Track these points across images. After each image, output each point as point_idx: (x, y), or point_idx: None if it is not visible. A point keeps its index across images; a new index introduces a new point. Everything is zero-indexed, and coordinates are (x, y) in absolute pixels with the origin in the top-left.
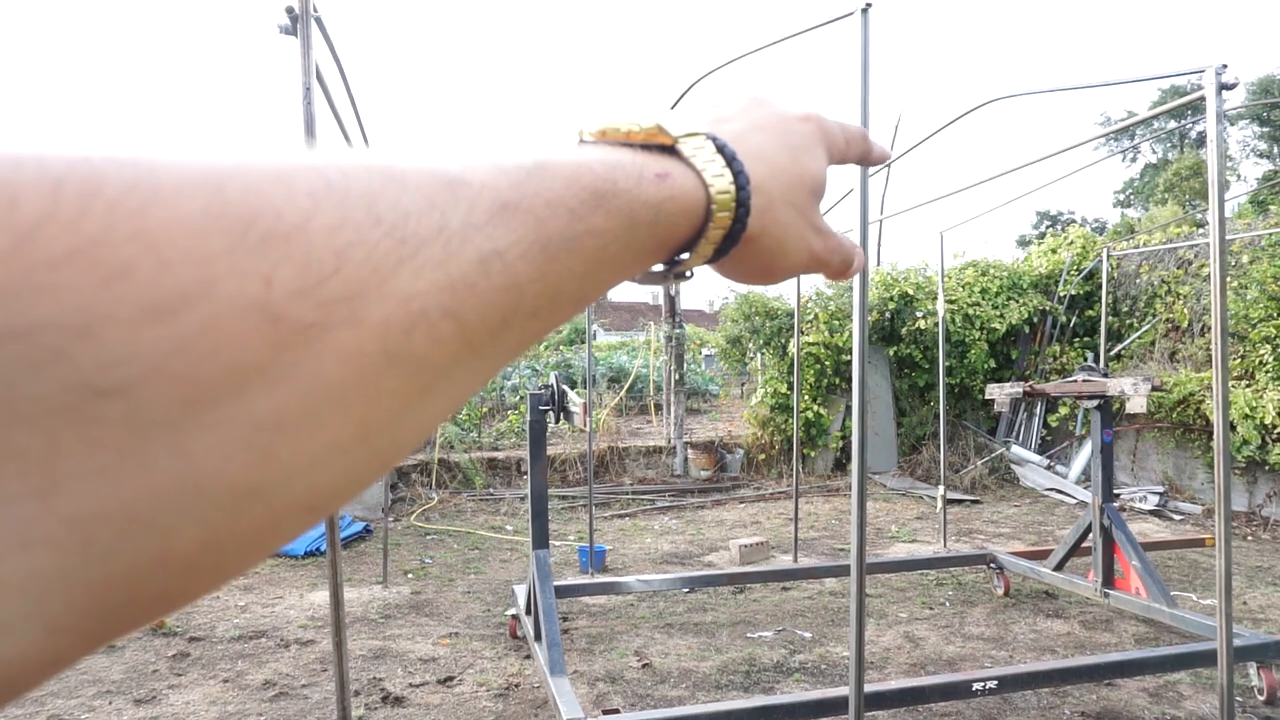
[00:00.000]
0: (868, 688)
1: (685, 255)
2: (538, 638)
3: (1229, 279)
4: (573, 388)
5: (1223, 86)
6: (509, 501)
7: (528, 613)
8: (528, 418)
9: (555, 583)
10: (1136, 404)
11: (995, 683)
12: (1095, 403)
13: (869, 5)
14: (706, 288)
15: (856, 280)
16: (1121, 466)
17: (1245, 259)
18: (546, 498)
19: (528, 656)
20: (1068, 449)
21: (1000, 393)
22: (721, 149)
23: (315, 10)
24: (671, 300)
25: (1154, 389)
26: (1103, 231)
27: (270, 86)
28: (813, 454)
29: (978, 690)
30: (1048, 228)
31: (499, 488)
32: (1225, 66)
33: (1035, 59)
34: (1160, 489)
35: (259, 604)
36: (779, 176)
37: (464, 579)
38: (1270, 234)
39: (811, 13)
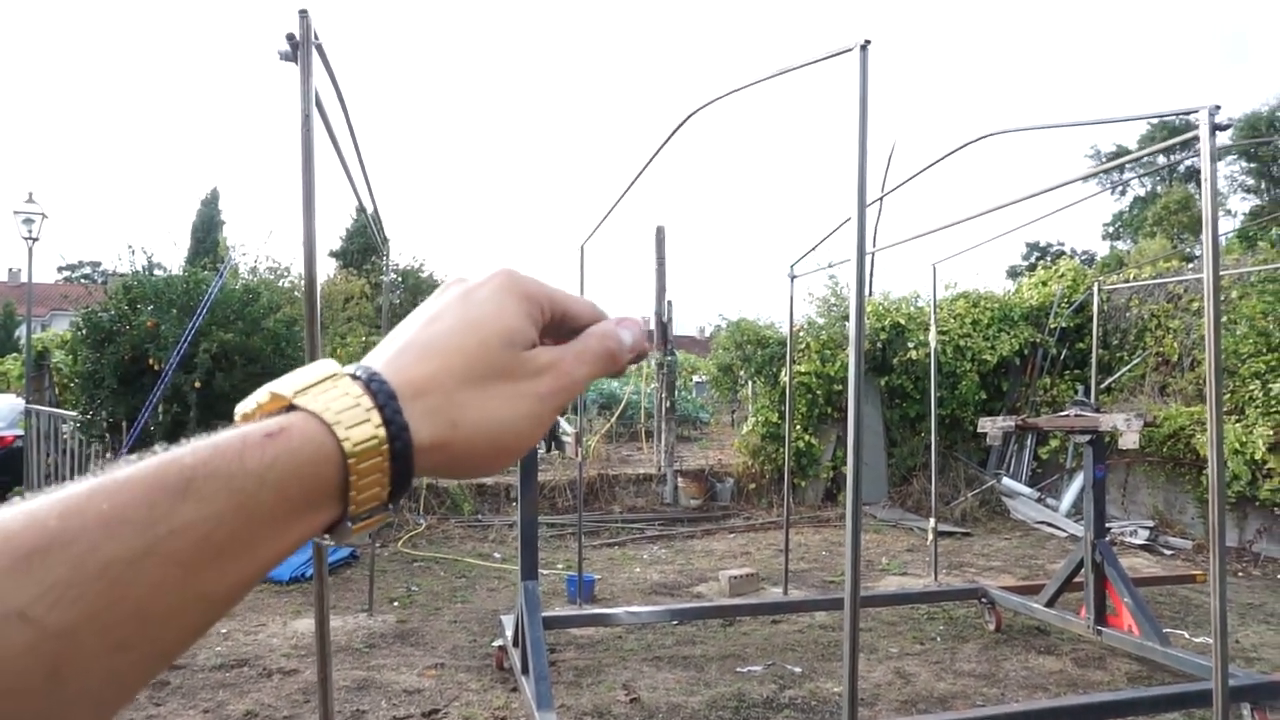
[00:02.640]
0: None
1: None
2: (525, 671)
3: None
4: (563, 414)
5: (1216, 127)
6: (497, 528)
7: (515, 644)
8: None
9: (543, 614)
10: (1129, 440)
11: None
12: (1087, 438)
13: (868, 42)
14: (697, 313)
15: (852, 313)
16: (1112, 500)
17: (1235, 295)
18: (536, 528)
19: (514, 689)
20: (1058, 482)
21: (992, 426)
22: (369, 383)
23: (316, 37)
24: (664, 327)
25: (1146, 425)
26: (1092, 263)
27: (269, 113)
28: (803, 484)
29: None
30: (1038, 259)
31: (487, 514)
32: (1219, 107)
33: (1026, 93)
34: (1151, 523)
35: (241, 631)
36: (452, 361)
37: (451, 608)
38: (1259, 270)
39: (813, 47)
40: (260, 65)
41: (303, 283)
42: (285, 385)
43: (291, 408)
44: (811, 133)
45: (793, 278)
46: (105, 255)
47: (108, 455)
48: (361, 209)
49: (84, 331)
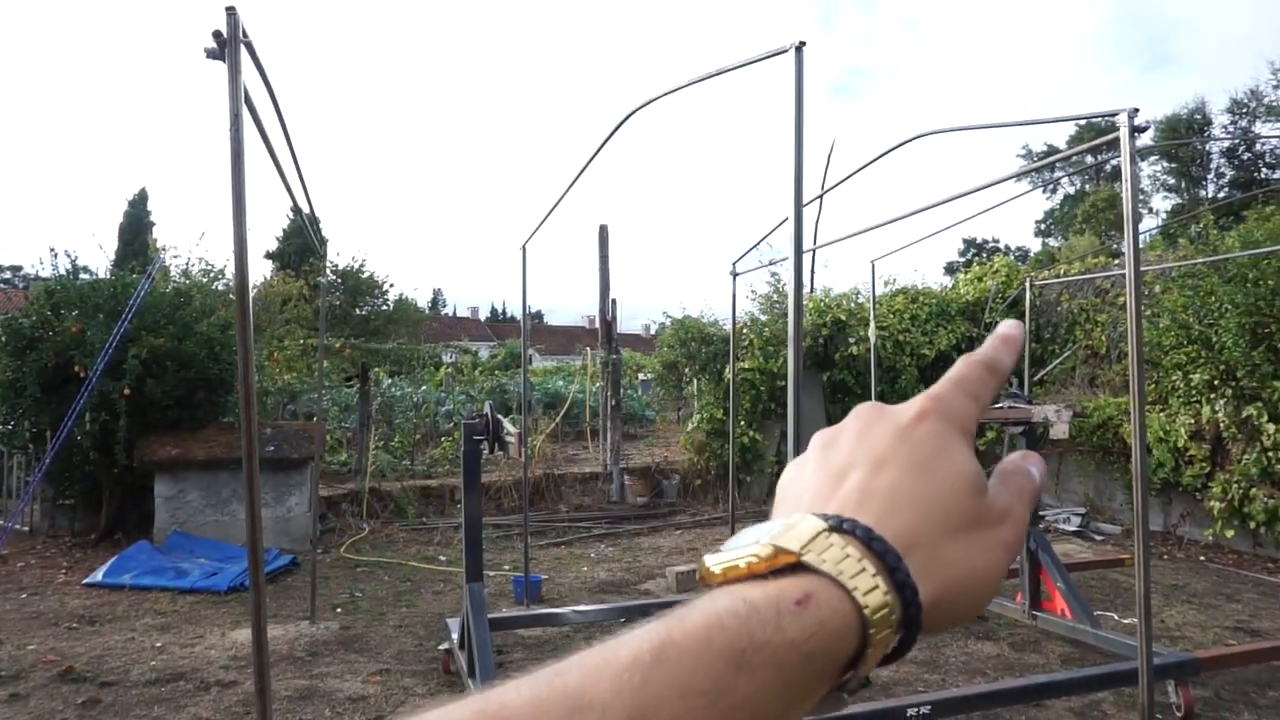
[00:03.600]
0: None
1: (849, 674)
2: (471, 673)
3: (1145, 308)
4: (507, 414)
5: (1135, 129)
6: (442, 531)
7: (461, 647)
8: (462, 447)
9: (490, 615)
10: (1060, 430)
11: (929, 708)
12: (1020, 429)
13: (803, 44)
14: (644, 312)
15: (791, 311)
16: (1045, 489)
17: (1157, 289)
18: (481, 529)
19: (462, 693)
20: (992, 471)
21: None
22: (868, 542)
23: (245, 35)
24: (608, 325)
25: (1075, 415)
26: (1025, 259)
27: (199, 112)
28: (748, 479)
29: (912, 716)
30: (974, 255)
31: (432, 517)
32: (1137, 110)
33: (962, 96)
34: (1082, 510)
35: (177, 644)
36: (930, 513)
37: (395, 612)
38: (1180, 266)
39: (753, 46)
40: (189, 62)
41: (255, 287)
42: (784, 539)
43: (797, 564)
44: (753, 131)
45: (734, 275)
46: (26, 259)
47: (33, 465)
48: (296, 209)
49: (3, 339)
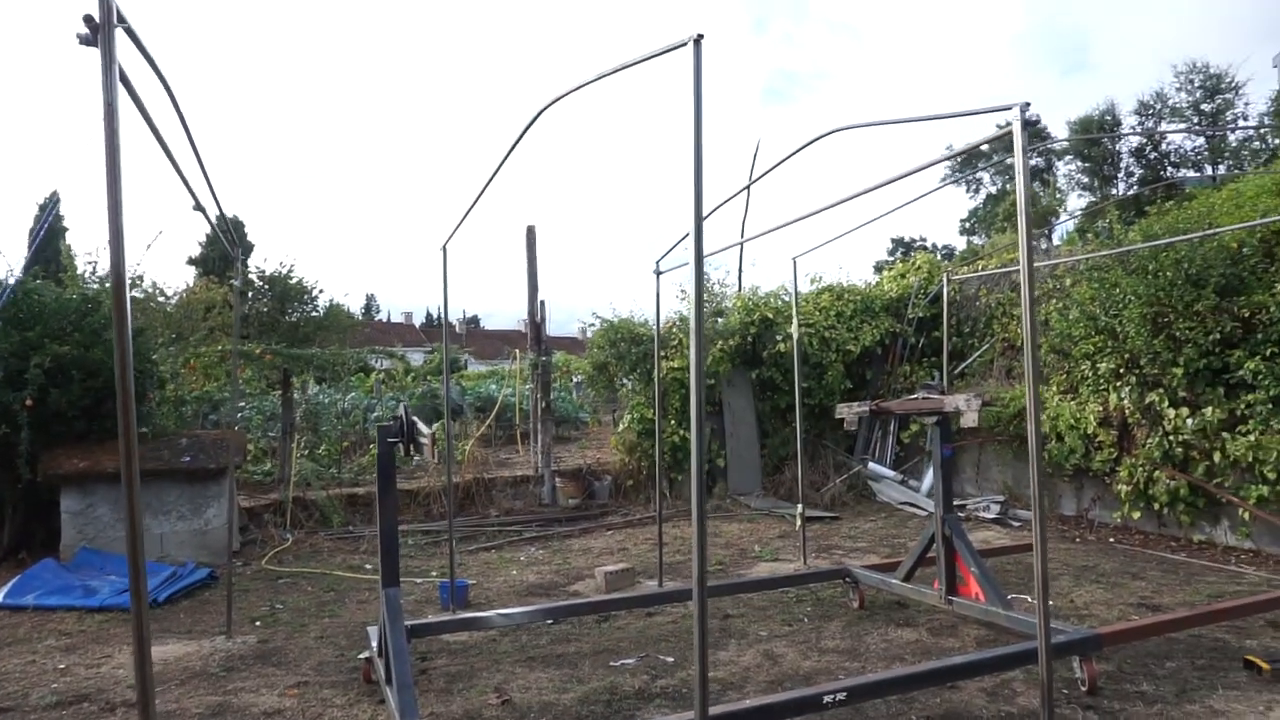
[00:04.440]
0: (721, 709)
1: None
2: (389, 680)
3: (1055, 301)
4: (438, 419)
5: (1027, 123)
6: (369, 539)
7: (380, 655)
8: (377, 450)
9: (413, 621)
10: (969, 419)
11: (844, 694)
12: (934, 419)
13: (700, 37)
14: (577, 314)
15: (692, 315)
16: (967, 478)
17: (1068, 282)
18: (397, 534)
19: (382, 702)
20: (920, 464)
21: (849, 411)
22: None
23: (121, 19)
24: (537, 327)
25: (985, 404)
26: (951, 256)
27: (79, 101)
28: (680, 477)
29: (828, 703)
30: (902, 254)
31: (359, 525)
32: (1028, 104)
33: (891, 97)
34: (1001, 498)
35: (83, 665)
36: None
37: (317, 623)
38: (1081, 260)
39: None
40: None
41: (156, 294)
42: None
43: None
44: (676, 129)
45: (659, 273)
46: None
47: None
48: (199, 206)
49: None
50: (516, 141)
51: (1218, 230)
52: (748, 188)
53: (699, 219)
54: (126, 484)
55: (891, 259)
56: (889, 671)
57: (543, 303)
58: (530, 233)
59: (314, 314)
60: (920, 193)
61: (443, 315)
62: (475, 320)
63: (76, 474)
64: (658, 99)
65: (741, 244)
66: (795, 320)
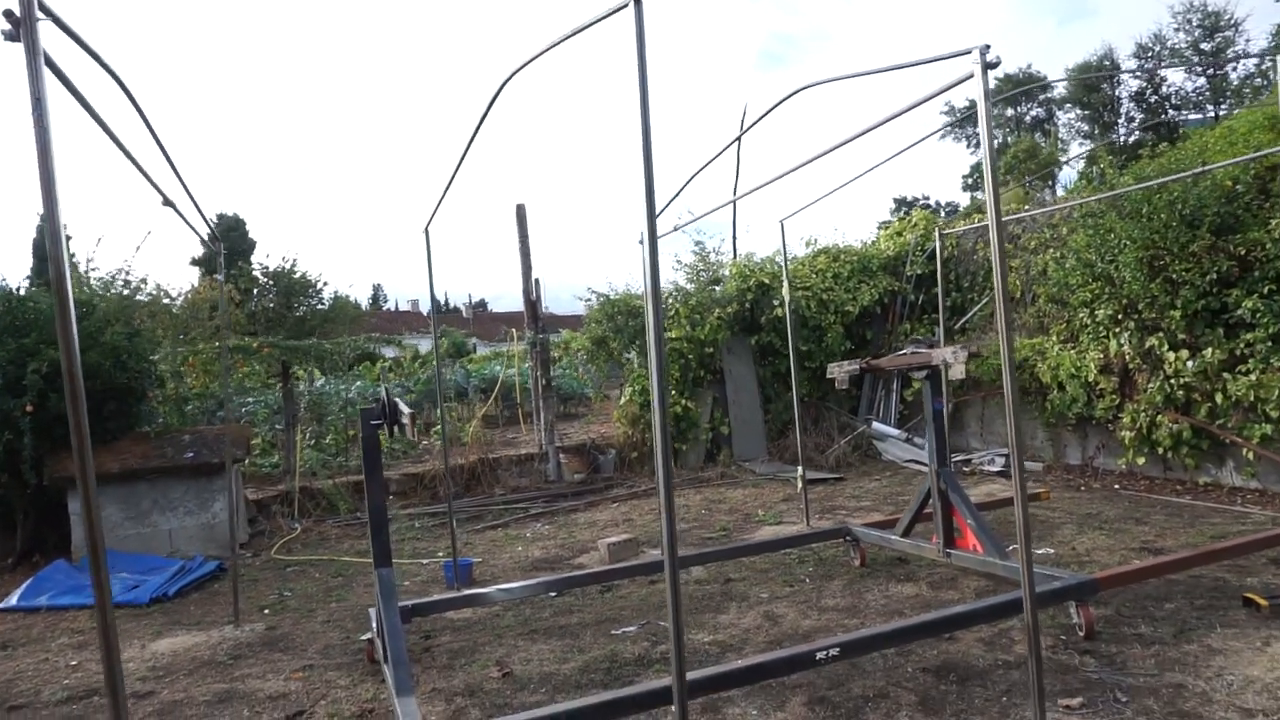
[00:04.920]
0: (713, 670)
1: None
2: (385, 658)
3: (1053, 250)
4: (447, 401)
5: (988, 65)
6: None
7: (379, 635)
8: (361, 434)
9: (414, 601)
10: (957, 371)
11: (837, 650)
12: (924, 373)
13: None
14: (580, 291)
15: (648, 290)
16: (972, 432)
17: (1065, 230)
18: (386, 514)
19: (384, 680)
20: (923, 421)
21: (840, 370)
22: None
23: (46, 11)
24: (533, 306)
25: (971, 355)
26: (955, 213)
27: (111, 113)
28: (684, 447)
29: (821, 659)
30: (905, 213)
31: (366, 510)
32: (989, 47)
33: (891, 57)
34: (1005, 451)
35: (94, 661)
36: None
37: (325, 608)
38: (1080, 203)
39: (589, 9)
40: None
41: (162, 296)
42: None
43: None
44: (661, 95)
45: (643, 243)
46: None
47: None
48: (167, 202)
49: None
50: (483, 118)
51: (1209, 168)
52: (713, 160)
53: (650, 200)
54: (81, 481)
55: (896, 218)
56: (879, 626)
57: (538, 280)
58: (520, 211)
59: (320, 307)
60: (901, 148)
61: (430, 297)
62: (483, 304)
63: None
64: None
65: (733, 202)
66: (786, 283)
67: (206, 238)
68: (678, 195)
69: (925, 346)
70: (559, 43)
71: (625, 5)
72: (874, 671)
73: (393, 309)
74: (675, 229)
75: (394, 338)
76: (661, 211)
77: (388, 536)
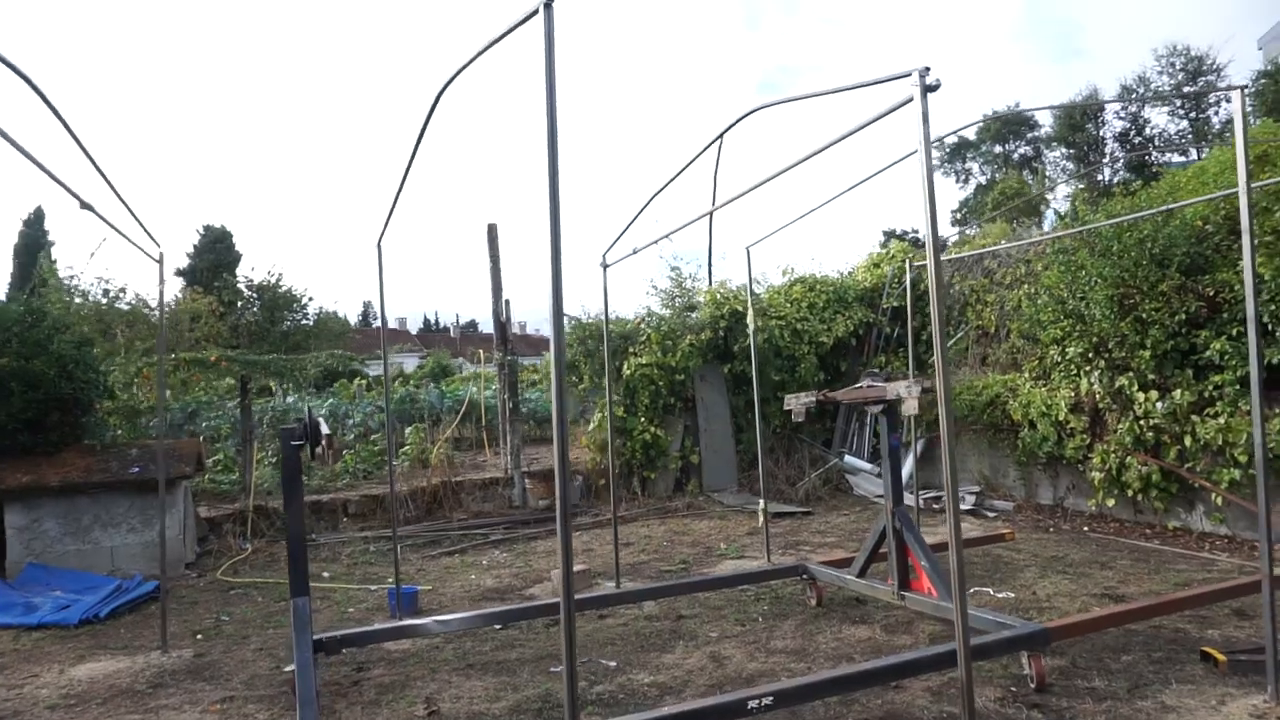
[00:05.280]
0: (648, 714)
1: None
2: (295, 694)
3: (1026, 286)
4: (419, 420)
5: (927, 89)
6: (331, 547)
7: None
8: (282, 455)
9: (344, 631)
10: (910, 406)
11: (771, 699)
12: (880, 407)
13: (550, 2)
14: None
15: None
16: (945, 468)
17: (1039, 267)
18: (304, 541)
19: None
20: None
21: (796, 403)
22: None
23: None
24: (503, 327)
25: (925, 390)
26: (944, 248)
27: (89, 126)
28: (652, 475)
29: (753, 708)
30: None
31: (324, 532)
32: (929, 69)
33: (887, 92)
34: (977, 488)
35: (5, 686)
36: None
37: (260, 635)
38: (1050, 237)
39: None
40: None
41: (142, 306)
42: None
43: None
44: (630, 118)
45: (605, 266)
46: None
47: None
48: (85, 205)
49: None
50: (422, 131)
51: (1177, 205)
52: (666, 186)
53: (554, 205)
54: None
55: (887, 253)
56: (816, 675)
57: (508, 301)
58: (492, 231)
59: (304, 322)
60: (864, 178)
61: (380, 313)
62: (473, 324)
63: (20, 489)
64: (613, 81)
65: (709, 226)
66: (750, 311)
67: (141, 240)
68: (632, 222)
69: (882, 380)
70: (483, 52)
71: (535, 12)
72: None
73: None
74: (634, 251)
75: (377, 356)
76: (619, 238)
77: (306, 564)
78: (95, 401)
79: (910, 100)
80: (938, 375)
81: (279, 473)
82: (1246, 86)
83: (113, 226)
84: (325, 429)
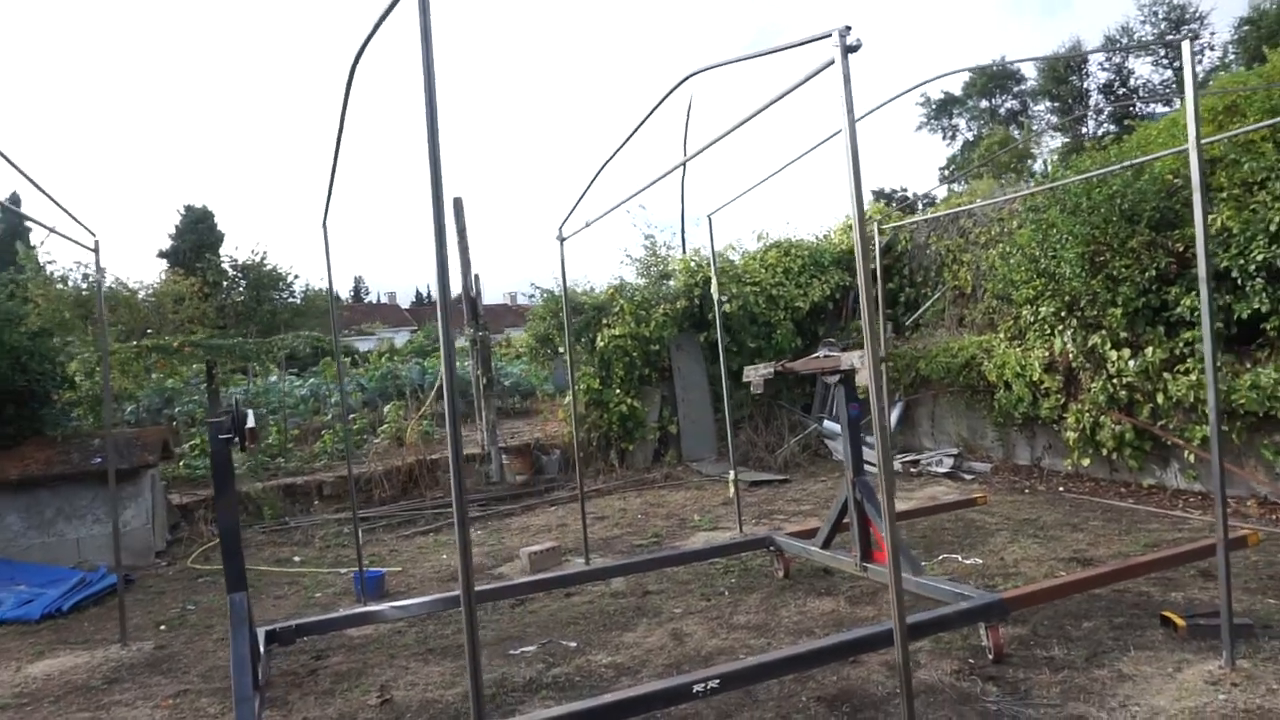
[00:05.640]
0: (587, 703)
1: None
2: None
3: (1001, 246)
4: (400, 397)
5: (848, 49)
6: (304, 530)
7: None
8: (210, 449)
9: (298, 620)
10: (863, 376)
11: (717, 681)
12: (837, 377)
13: None
14: (511, 285)
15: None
16: (924, 431)
17: (1014, 224)
18: (239, 535)
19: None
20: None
21: (755, 374)
22: None
23: None
24: (473, 302)
25: (882, 360)
26: (933, 204)
27: (70, 109)
28: (630, 447)
29: (699, 691)
30: (883, 205)
31: (297, 515)
32: (849, 28)
33: (878, 51)
34: (955, 451)
35: None
36: None
37: (224, 623)
38: (1019, 195)
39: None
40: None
41: (121, 290)
42: None
43: None
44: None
45: (561, 240)
46: None
47: None
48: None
49: None
50: (344, 103)
51: (1145, 159)
52: (611, 158)
53: (437, 184)
54: None
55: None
56: (763, 656)
57: (477, 276)
58: (458, 204)
59: (291, 300)
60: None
61: (329, 291)
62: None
63: None
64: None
65: (681, 197)
66: (714, 281)
67: (73, 231)
68: (584, 195)
69: (838, 349)
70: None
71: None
72: (767, 701)
73: (375, 301)
74: (586, 225)
75: (366, 329)
76: (572, 211)
77: (242, 559)
78: (52, 393)
79: (831, 63)
80: (867, 353)
81: (252, 457)
82: (1198, 38)
83: (38, 222)
84: (251, 421)
